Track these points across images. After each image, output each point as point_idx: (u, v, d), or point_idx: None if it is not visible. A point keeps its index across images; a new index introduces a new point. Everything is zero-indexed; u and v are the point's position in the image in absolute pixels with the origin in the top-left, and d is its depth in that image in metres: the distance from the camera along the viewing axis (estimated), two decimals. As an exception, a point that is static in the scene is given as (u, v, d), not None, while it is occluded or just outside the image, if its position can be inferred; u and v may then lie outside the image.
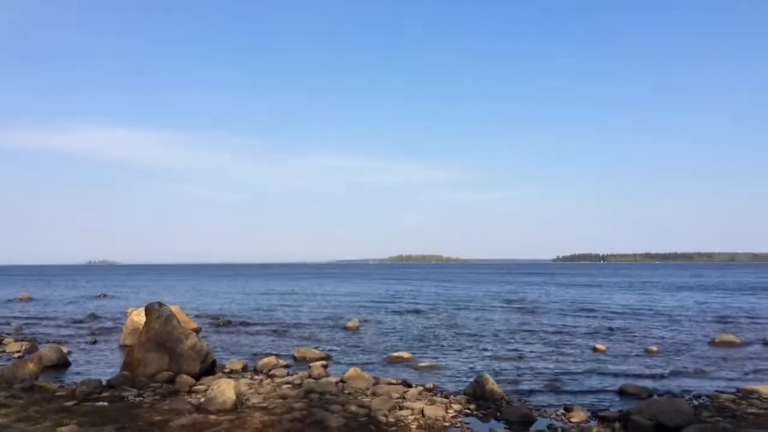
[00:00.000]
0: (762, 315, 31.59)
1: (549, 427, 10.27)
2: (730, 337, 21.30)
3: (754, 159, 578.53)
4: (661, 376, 15.18)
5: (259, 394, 12.21)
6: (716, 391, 13.11)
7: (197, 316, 28.82)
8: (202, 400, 11.18)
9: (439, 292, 57.08)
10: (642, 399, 11.95)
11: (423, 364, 16.59)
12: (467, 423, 10.43)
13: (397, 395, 12.13)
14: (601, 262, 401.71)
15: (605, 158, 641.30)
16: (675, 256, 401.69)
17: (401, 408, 11.04)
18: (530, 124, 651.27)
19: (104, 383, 13.07)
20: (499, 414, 11.07)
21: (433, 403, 11.54)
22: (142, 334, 14.80)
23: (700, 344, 20.75)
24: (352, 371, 14.16)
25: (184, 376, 13.63)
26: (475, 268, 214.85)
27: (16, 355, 18.14)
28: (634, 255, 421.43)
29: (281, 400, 11.55)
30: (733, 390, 12.98)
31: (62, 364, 16.45)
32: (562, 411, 11.40)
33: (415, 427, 9.85)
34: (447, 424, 10.23)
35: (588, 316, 30.85)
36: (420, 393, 12.56)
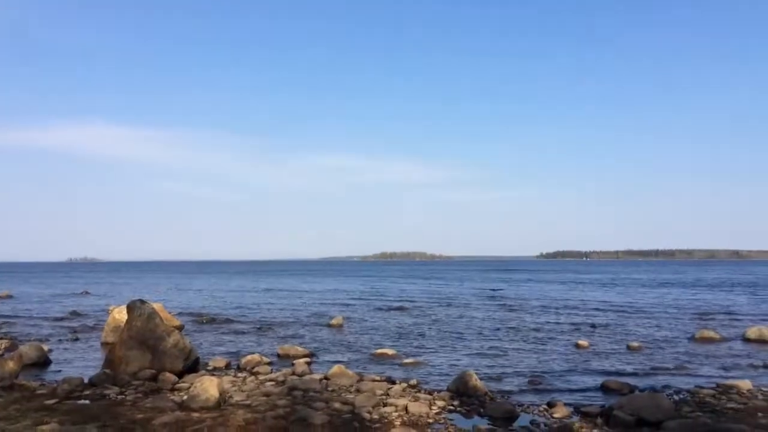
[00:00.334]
0: (741, 311, 31.99)
1: (532, 422, 10.33)
2: (710, 334, 21.56)
3: (734, 158, 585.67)
4: (643, 372, 15.33)
5: (242, 391, 12.18)
6: (696, 386, 13.25)
7: (180, 314, 28.64)
8: (185, 397, 11.13)
9: (423, 289, 57.20)
10: (624, 394, 12.06)
11: (407, 361, 16.62)
12: (451, 419, 10.46)
13: (381, 392, 12.14)
14: (584, 258, 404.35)
15: (589, 157, 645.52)
16: (656, 253, 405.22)
17: (385, 405, 11.05)
18: (517, 122, 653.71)
19: (86, 381, 12.97)
20: (482, 410, 11.12)
21: (417, 399, 11.57)
22: (124, 332, 14.69)
23: (680, 340, 20.98)
24: (336, 368, 14.15)
25: (167, 374, 13.55)
26: (459, 265, 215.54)
27: (-5, 353, 17.94)
28: (617, 252, 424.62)
29: (265, 398, 11.52)
30: (713, 385, 13.13)
31: (43, 363, 16.28)
32: (544, 407, 11.47)
33: (399, 423, 9.87)
34: (431, 420, 10.26)
35: (570, 313, 31.07)
36: (404, 390, 12.58)
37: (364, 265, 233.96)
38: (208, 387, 10.88)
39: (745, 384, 12.89)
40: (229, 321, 27.40)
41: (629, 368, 15.87)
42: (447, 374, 14.75)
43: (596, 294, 47.34)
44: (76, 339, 21.36)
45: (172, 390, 12.51)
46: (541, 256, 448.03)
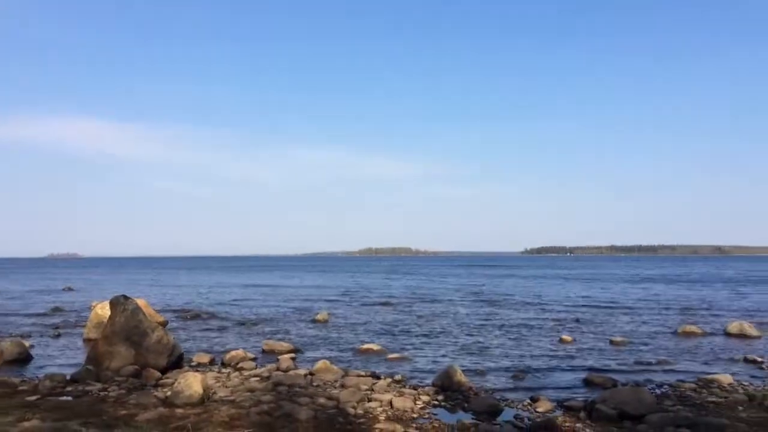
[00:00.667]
0: (723, 306, 32.37)
1: (516, 417, 10.39)
2: (692, 328, 21.80)
3: (717, 156, 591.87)
4: (626, 367, 15.45)
5: (226, 387, 12.12)
6: (678, 380, 13.40)
7: (163, 310, 28.47)
8: (169, 393, 11.06)
9: (408, 284, 57.27)
10: (606, 389, 12.14)
11: (392, 356, 16.64)
12: (435, 414, 10.49)
13: (365, 387, 12.14)
14: (568, 254, 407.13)
15: (574, 154, 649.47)
16: (639, 249, 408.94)
17: (370, 400, 11.06)
18: (502, 118, 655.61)
19: (68, 377, 12.86)
20: (466, 405, 11.16)
21: (401, 394, 11.58)
22: (107, 328, 14.58)
23: (663, 335, 21.18)
24: (320, 364, 14.14)
25: (151, 370, 13.46)
26: (445, 261, 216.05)
27: (-24, 349, 17.72)
28: (600, 247, 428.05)
29: (249, 393, 11.48)
30: (695, 380, 13.28)
31: (24, 359, 16.08)
32: (528, 401, 11.53)
33: (383, 418, 9.88)
34: (415, 415, 10.28)
35: (554, 308, 31.26)
36: (389, 385, 12.59)
37: (349, 261, 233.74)
38: (191, 383, 10.83)
39: (726, 378, 13.06)
40: (213, 317, 27.28)
41: (612, 363, 15.99)
42: (431, 370, 14.78)
43: (580, 289, 47.66)
44: (58, 335, 21.17)
45: (156, 386, 12.42)
46: (526, 251, 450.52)
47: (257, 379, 13.07)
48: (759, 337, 20.30)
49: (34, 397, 11.01)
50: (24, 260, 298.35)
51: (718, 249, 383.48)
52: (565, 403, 11.20)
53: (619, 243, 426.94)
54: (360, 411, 10.27)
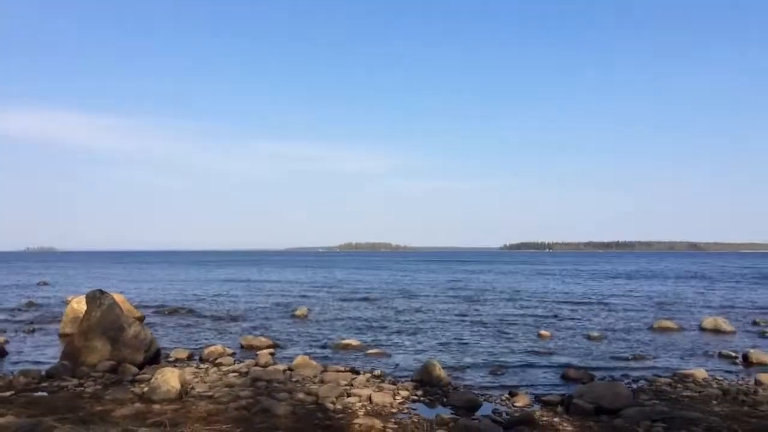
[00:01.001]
0: (697, 302, 32.83)
1: (494, 411, 10.45)
2: (668, 324, 22.09)
3: (694, 154, 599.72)
4: (602, 361, 15.64)
5: (204, 382, 12.06)
6: (654, 375, 13.59)
7: (141, 305, 28.21)
8: (146, 389, 10.98)
9: (387, 279, 57.32)
10: (584, 383, 12.27)
11: (371, 352, 16.66)
12: (414, 409, 10.52)
13: (345, 382, 12.15)
14: (547, 250, 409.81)
15: (552, 151, 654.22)
16: (617, 245, 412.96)
17: (349, 395, 11.06)
18: (482, 114, 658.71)
19: (43, 373, 12.71)
20: (445, 399, 11.21)
21: (380, 389, 11.60)
22: (83, 323, 14.43)
23: (639, 330, 21.44)
24: (299, 359, 14.13)
25: (127, 366, 13.36)
26: (425, 256, 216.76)
27: (-52, 345, 17.42)
28: (579, 243, 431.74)
29: (227, 389, 11.43)
30: (670, 374, 13.48)
31: (-2, 354, 15.89)
32: (506, 396, 11.62)
33: (362, 413, 9.88)
34: (394, 410, 10.31)
35: (533, 304, 31.50)
36: (368, 380, 12.61)
37: (328, 256, 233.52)
38: (169, 378, 10.75)
39: (700, 373, 13.27)
40: (191, 312, 27.09)
41: (589, 358, 16.18)
42: (411, 365, 14.83)
43: (558, 285, 48.07)
44: (33, 330, 20.89)
45: (133, 382, 12.32)
46: (505, 247, 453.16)
47: (236, 374, 13.01)
48: (733, 333, 20.63)
49: (8, 393, 10.86)
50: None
51: (694, 245, 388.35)
52: (543, 398, 11.30)
53: (596, 239, 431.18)
54: (339, 406, 10.26)
